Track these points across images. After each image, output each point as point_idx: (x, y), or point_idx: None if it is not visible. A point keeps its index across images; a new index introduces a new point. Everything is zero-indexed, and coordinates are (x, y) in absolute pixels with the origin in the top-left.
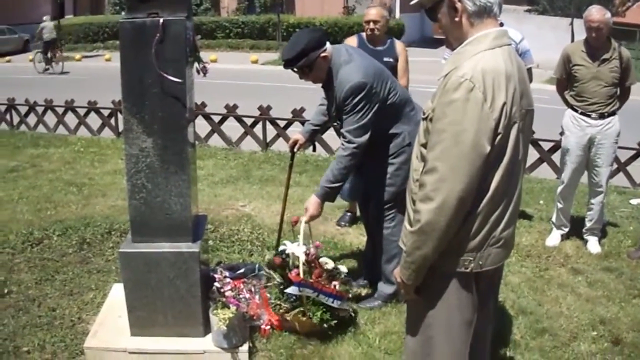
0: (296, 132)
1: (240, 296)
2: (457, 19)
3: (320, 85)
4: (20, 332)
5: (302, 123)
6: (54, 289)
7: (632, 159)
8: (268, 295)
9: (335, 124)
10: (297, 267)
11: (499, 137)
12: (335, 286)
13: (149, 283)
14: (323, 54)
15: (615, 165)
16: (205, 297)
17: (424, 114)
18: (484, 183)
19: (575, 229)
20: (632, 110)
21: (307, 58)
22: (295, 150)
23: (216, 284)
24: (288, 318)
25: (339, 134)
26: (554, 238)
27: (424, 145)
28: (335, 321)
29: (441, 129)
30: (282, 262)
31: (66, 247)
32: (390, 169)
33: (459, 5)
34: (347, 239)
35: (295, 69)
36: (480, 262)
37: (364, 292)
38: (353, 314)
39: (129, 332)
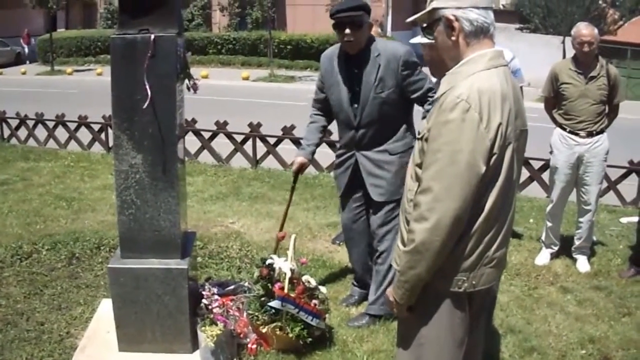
0: (299, 154)
1: (229, 313)
2: (453, 38)
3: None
4: (8, 346)
5: (292, 140)
6: (42, 303)
7: (623, 177)
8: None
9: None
10: (281, 281)
11: (494, 157)
12: (315, 304)
13: (138, 299)
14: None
15: (605, 184)
16: (194, 313)
17: (419, 133)
18: (479, 203)
19: (565, 247)
20: (622, 128)
21: (364, 15)
22: (301, 174)
23: (204, 300)
24: (264, 331)
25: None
26: (543, 257)
27: (419, 165)
28: (311, 339)
29: (437, 148)
30: (267, 274)
31: (55, 262)
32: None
33: (456, 24)
34: (336, 257)
35: (348, 20)
36: (474, 282)
37: (353, 310)
38: (327, 334)
39: (117, 348)
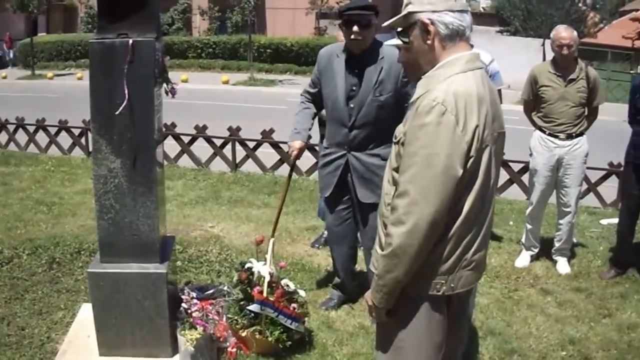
0: (295, 138)
1: (208, 317)
2: (429, 41)
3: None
4: None
5: (272, 144)
6: (23, 308)
7: (603, 179)
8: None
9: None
10: (260, 285)
11: (471, 160)
12: (294, 308)
13: (118, 303)
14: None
15: (585, 186)
16: (174, 317)
17: (395, 137)
18: (456, 206)
19: (545, 249)
20: (602, 130)
21: (373, 16)
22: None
23: (183, 304)
24: (243, 334)
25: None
26: (523, 259)
27: (396, 169)
28: (290, 342)
29: (413, 152)
30: (246, 278)
31: (36, 266)
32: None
33: (431, 28)
34: (315, 260)
35: (357, 19)
36: (452, 285)
37: (332, 313)
38: (307, 337)
39: (98, 352)
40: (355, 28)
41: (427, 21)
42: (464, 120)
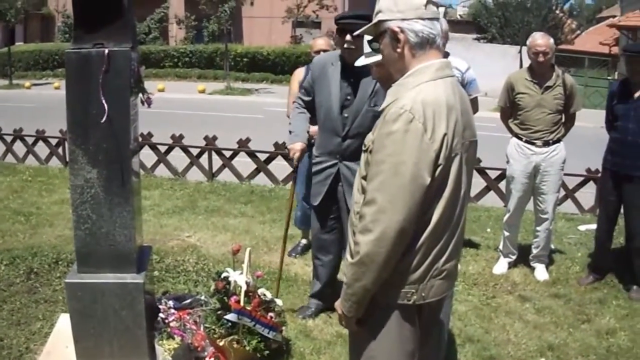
0: (295, 140)
1: (186, 327)
2: (399, 50)
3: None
4: None
5: (248, 154)
6: (1, 319)
7: (580, 185)
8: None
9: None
10: (237, 294)
11: (439, 168)
12: (271, 317)
13: (95, 314)
14: None
15: (562, 192)
16: (151, 327)
17: (364, 146)
18: (426, 215)
19: (523, 256)
20: (580, 137)
21: None
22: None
23: (161, 314)
24: (221, 344)
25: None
26: (501, 266)
27: (365, 178)
28: (268, 352)
29: (380, 160)
30: (223, 287)
31: (14, 277)
32: None
33: (401, 36)
34: (292, 269)
35: (351, 28)
36: (423, 294)
37: (310, 322)
38: (285, 346)
39: None
40: (348, 37)
41: (397, 29)
42: (432, 128)
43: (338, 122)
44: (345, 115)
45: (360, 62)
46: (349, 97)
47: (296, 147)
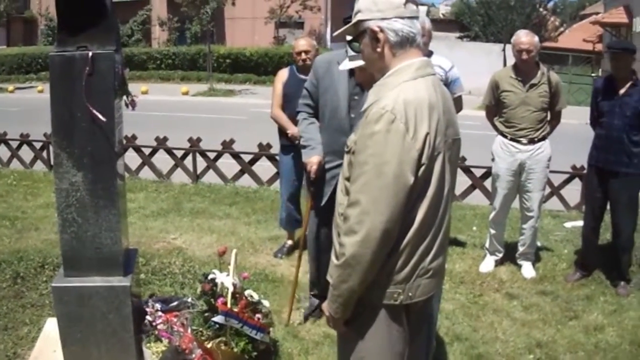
0: (311, 154)
1: (173, 329)
2: (379, 49)
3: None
4: None
5: (232, 155)
6: None
7: (566, 182)
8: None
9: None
10: (224, 296)
11: (423, 167)
12: (258, 318)
13: (82, 317)
14: None
15: (548, 189)
16: (139, 330)
17: (347, 147)
18: (410, 214)
19: (510, 254)
20: (565, 134)
21: None
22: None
23: (148, 317)
24: (209, 346)
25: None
26: (487, 264)
27: (349, 179)
28: (256, 353)
29: (363, 161)
30: (210, 289)
31: (0, 282)
32: None
33: (381, 35)
34: (278, 270)
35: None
36: (410, 294)
37: (297, 322)
38: (272, 348)
39: None
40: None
41: (377, 29)
42: (414, 127)
43: (345, 122)
44: (352, 115)
45: (345, 65)
46: (356, 97)
47: (313, 160)
